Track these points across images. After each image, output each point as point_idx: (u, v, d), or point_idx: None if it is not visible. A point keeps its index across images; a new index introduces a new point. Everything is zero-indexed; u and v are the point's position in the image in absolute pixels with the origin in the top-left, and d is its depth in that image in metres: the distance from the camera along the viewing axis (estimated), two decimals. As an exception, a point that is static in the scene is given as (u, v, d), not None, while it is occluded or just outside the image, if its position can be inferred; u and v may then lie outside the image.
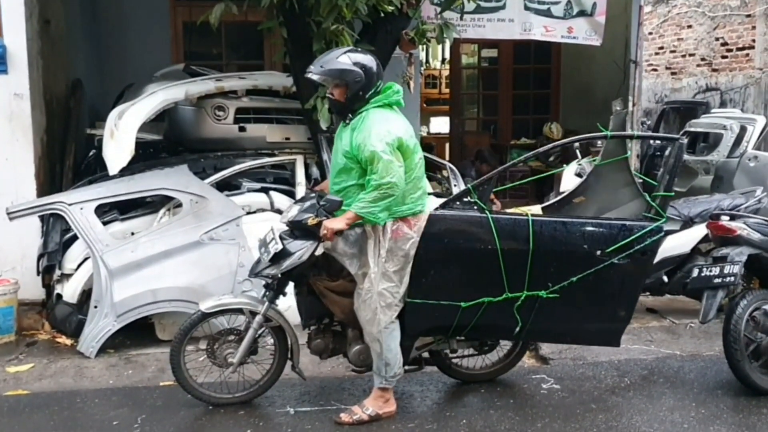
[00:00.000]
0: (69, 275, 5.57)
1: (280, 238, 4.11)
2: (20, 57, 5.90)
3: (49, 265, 5.64)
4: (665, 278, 6.03)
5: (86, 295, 5.47)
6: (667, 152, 4.64)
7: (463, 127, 11.60)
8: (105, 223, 5.55)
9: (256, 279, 4.35)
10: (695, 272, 4.92)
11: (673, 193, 4.39)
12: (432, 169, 7.69)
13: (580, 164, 6.38)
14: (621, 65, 8.58)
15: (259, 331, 4.31)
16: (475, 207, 4.17)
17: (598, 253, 4.19)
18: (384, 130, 3.90)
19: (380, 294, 4.05)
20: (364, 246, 4.07)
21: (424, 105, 12.87)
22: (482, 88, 11.77)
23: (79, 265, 5.56)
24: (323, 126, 5.63)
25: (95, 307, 5.31)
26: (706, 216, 5.74)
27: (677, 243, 5.93)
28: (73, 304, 5.51)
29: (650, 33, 13.67)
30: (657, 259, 5.77)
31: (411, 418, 4.33)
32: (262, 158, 6.22)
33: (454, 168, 6.38)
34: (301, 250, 4.06)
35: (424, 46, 6.50)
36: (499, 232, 4.13)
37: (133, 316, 5.29)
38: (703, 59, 12.91)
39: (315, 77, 3.99)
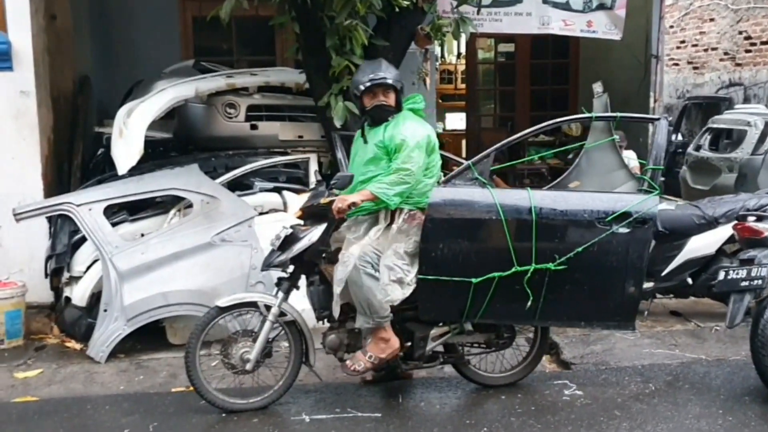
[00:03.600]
0: (78, 278, 5.49)
1: (291, 227, 4.28)
2: (26, 53, 5.80)
3: (58, 268, 5.56)
4: (689, 280, 5.87)
5: (96, 298, 5.39)
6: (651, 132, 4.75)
7: (479, 124, 11.47)
8: (114, 224, 5.47)
9: (269, 277, 4.40)
10: (722, 275, 4.84)
11: (663, 167, 4.54)
12: (449, 167, 7.57)
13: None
14: (642, 60, 8.42)
15: (275, 326, 4.31)
16: (477, 182, 4.33)
17: (599, 222, 4.28)
18: (417, 126, 4.30)
19: (390, 268, 4.15)
20: (369, 226, 4.29)
21: (440, 101, 12.75)
22: (499, 83, 11.67)
23: (88, 268, 5.48)
24: (337, 124, 5.50)
25: (105, 310, 5.23)
26: (732, 216, 5.61)
27: (702, 244, 5.80)
28: (83, 308, 5.43)
29: (671, 26, 13.50)
30: (681, 260, 5.78)
31: (430, 425, 4.24)
32: (274, 157, 6.13)
33: (472, 166, 6.19)
34: (311, 232, 4.22)
35: (440, 41, 6.36)
36: (503, 206, 4.24)
37: (143, 320, 5.20)
38: (726, 53, 12.73)
39: (391, 82, 4.29)
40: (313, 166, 6.03)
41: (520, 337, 4.83)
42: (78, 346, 5.46)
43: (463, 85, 12.52)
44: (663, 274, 5.85)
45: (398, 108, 4.34)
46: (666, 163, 10.06)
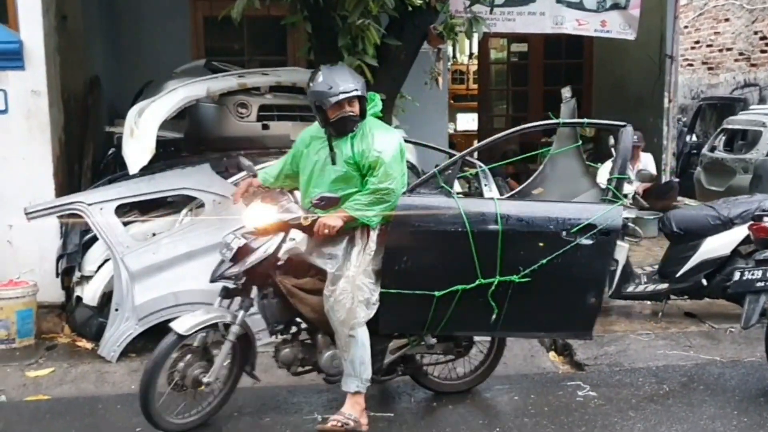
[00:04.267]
0: (89, 277, 5.46)
1: (243, 236, 4.01)
2: (37, 53, 5.79)
3: (69, 267, 5.54)
4: (704, 281, 5.84)
5: (107, 297, 5.36)
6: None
7: (491, 124, 11.42)
8: (125, 224, 5.44)
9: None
10: (737, 275, 4.86)
11: (627, 176, 4.47)
12: (460, 168, 7.52)
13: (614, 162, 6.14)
14: (656, 60, 8.36)
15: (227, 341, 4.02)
16: (442, 191, 4.16)
17: (564, 234, 4.14)
18: (388, 136, 4.05)
19: (359, 288, 3.97)
20: (348, 248, 4.03)
21: (451, 101, 12.70)
22: (511, 83, 11.60)
23: (99, 267, 5.45)
24: (349, 123, 5.46)
25: (116, 310, 5.21)
26: (747, 217, 5.58)
27: (717, 245, 5.76)
28: (94, 307, 5.41)
29: (686, 27, 13.42)
30: (695, 261, 5.75)
31: (443, 425, 4.23)
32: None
33: (485, 167, 6.16)
34: (267, 243, 3.98)
35: (452, 41, 6.33)
36: (468, 216, 4.07)
37: (154, 320, 5.17)
38: (741, 54, 12.65)
39: (359, 93, 3.95)
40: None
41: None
42: (89, 345, 5.43)
43: (475, 86, 12.47)
44: (677, 275, 5.85)
45: (363, 116, 4.02)
46: (680, 165, 10.05)
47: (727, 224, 5.78)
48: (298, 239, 4.44)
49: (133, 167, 5.43)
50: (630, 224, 6.87)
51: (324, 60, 5.81)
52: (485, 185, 5.94)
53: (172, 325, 3.91)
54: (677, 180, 8.91)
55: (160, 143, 5.69)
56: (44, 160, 5.84)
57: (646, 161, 8.36)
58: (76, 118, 6.48)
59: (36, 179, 5.80)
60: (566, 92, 5.35)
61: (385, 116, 5.95)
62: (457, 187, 7.06)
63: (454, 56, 13.19)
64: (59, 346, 5.53)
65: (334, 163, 3.97)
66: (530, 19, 7.60)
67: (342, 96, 3.87)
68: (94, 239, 5.49)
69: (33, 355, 5.34)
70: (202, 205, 5.56)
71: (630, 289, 5.93)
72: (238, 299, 4.07)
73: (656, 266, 6.14)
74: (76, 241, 5.55)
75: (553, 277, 4.16)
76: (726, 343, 5.51)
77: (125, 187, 5.59)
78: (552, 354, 5.35)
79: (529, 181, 4.85)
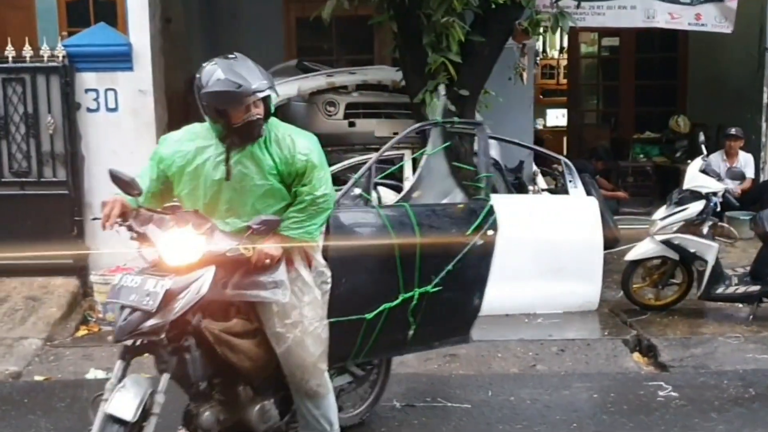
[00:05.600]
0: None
1: (157, 275, 3.05)
2: (144, 55, 6.19)
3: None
4: None
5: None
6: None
7: (581, 120, 11.28)
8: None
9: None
10: None
11: (492, 174, 4.39)
12: (546, 164, 7.51)
13: (705, 159, 6.01)
14: (755, 54, 8.06)
15: None
16: (361, 200, 3.99)
17: (464, 235, 3.98)
18: (307, 137, 3.34)
19: (321, 317, 3.39)
20: (291, 270, 3.31)
21: (540, 96, 12.59)
22: (602, 78, 11.42)
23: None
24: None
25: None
26: None
27: None
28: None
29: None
30: None
31: (519, 419, 4.24)
32: (370, 153, 6.23)
33: (569, 162, 6.15)
34: (196, 282, 3.03)
35: (541, 36, 6.33)
36: (392, 225, 3.75)
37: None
38: None
39: (270, 92, 3.14)
40: (408, 162, 6.12)
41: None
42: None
43: (565, 81, 12.32)
44: (768, 276, 5.66)
45: (267, 117, 3.22)
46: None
47: None
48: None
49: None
50: (725, 225, 6.71)
51: (408, 58, 5.97)
52: (570, 181, 5.97)
53: (113, 412, 2.92)
54: None
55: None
56: (149, 156, 6.20)
57: (746, 161, 8.09)
58: (178, 116, 6.85)
59: (141, 173, 6.19)
60: (441, 90, 5.27)
61: (469, 112, 6.05)
62: (541, 183, 7.12)
63: (544, 51, 13.05)
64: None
65: (227, 178, 3.19)
66: (620, 13, 7.48)
67: (258, 95, 3.08)
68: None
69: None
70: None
71: (720, 290, 5.78)
72: (134, 360, 3.12)
73: (748, 267, 5.97)
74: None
75: (455, 282, 3.97)
76: None
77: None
78: (636, 354, 5.27)
79: (410, 183, 4.65)
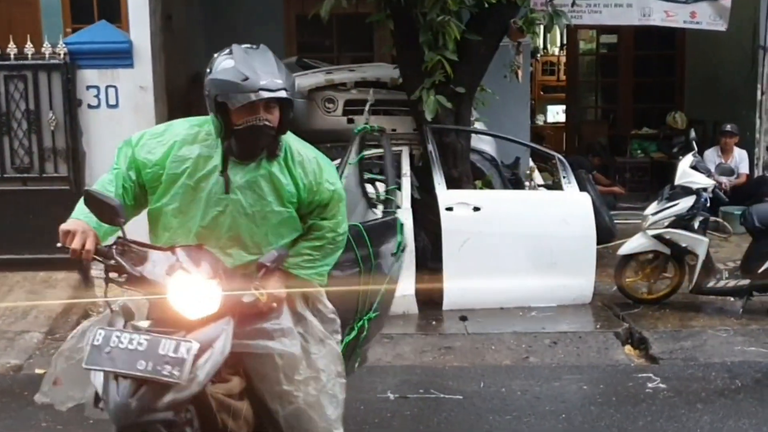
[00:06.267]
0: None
1: (162, 335, 2.42)
2: (145, 52, 6.28)
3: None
4: None
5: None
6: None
7: (580, 116, 11.34)
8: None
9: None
10: None
11: (395, 187, 4.21)
12: (542, 160, 7.60)
13: (696, 156, 6.10)
14: (749, 51, 8.13)
15: None
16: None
17: (392, 253, 3.63)
18: (328, 162, 2.86)
19: (333, 396, 2.87)
20: (293, 313, 2.79)
21: (541, 93, 12.66)
22: (601, 75, 11.48)
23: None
24: (428, 117, 5.68)
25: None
26: None
27: None
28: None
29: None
30: None
31: (509, 410, 4.32)
32: (368, 149, 6.32)
33: (563, 159, 6.25)
34: (219, 339, 2.47)
35: (540, 34, 6.41)
36: (356, 245, 3.31)
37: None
38: None
39: (287, 95, 2.57)
40: (406, 158, 6.21)
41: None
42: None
43: (565, 77, 12.40)
44: (760, 271, 5.69)
45: (283, 130, 2.66)
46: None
47: None
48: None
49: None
50: (719, 219, 6.79)
51: (406, 56, 6.06)
52: (564, 177, 6.06)
53: None
54: None
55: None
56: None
57: (741, 157, 8.16)
58: (179, 113, 6.94)
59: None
60: (369, 97, 5.30)
61: (466, 109, 6.15)
62: (538, 178, 7.21)
63: (545, 48, 13.11)
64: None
65: (227, 191, 2.62)
66: (617, 11, 7.56)
67: (264, 94, 2.50)
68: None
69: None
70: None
71: (711, 284, 5.85)
72: None
73: (739, 262, 6.05)
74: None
75: (384, 305, 3.59)
76: None
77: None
78: (627, 347, 5.36)
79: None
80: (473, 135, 6.39)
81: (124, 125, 6.30)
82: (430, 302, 5.83)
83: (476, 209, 5.71)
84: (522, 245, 5.78)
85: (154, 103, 6.34)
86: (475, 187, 6.18)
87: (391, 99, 6.67)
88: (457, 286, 5.74)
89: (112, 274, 2.53)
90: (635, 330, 5.51)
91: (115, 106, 6.35)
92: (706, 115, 9.36)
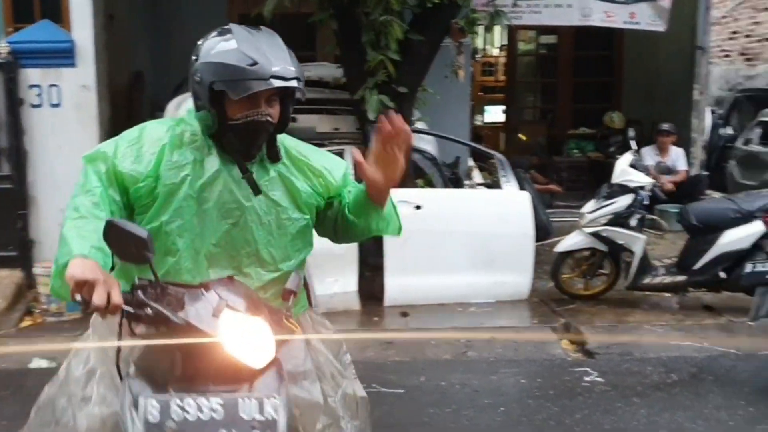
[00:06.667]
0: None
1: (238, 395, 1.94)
2: (87, 51, 6.22)
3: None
4: (723, 274, 5.78)
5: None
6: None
7: (519, 117, 11.43)
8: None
9: None
10: (748, 268, 4.93)
11: None
12: (483, 160, 7.70)
13: (635, 155, 6.25)
14: (687, 52, 8.35)
15: None
16: None
17: None
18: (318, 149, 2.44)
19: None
20: (308, 348, 2.32)
21: (481, 93, 12.78)
22: (540, 75, 11.59)
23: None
24: (371, 116, 5.70)
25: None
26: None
27: (735, 238, 5.70)
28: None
29: (724, 17, 13.21)
30: (714, 254, 5.72)
31: (449, 403, 4.38)
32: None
33: (502, 158, 6.35)
34: (282, 388, 2.00)
35: (480, 34, 6.48)
36: None
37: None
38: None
39: (298, 85, 2.11)
40: (348, 157, 6.23)
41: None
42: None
43: (504, 78, 12.48)
44: (695, 268, 5.82)
45: (283, 127, 2.21)
46: (715, 158, 9.95)
47: (747, 217, 5.72)
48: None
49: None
50: (654, 217, 6.97)
51: (349, 55, 6.08)
52: (503, 176, 6.15)
53: None
54: (706, 173, 8.89)
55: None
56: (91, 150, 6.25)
57: (678, 155, 8.37)
58: (121, 111, 6.87)
59: (84, 167, 6.23)
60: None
61: (407, 109, 6.20)
62: (477, 177, 7.30)
63: (484, 48, 13.21)
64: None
65: (257, 193, 2.19)
66: (557, 11, 7.63)
67: (276, 82, 2.06)
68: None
69: (79, 328, 5.69)
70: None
71: (647, 280, 5.97)
72: None
73: (675, 258, 6.21)
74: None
75: None
76: (743, 336, 5.49)
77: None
78: (564, 342, 5.45)
79: None
80: (415, 134, 6.44)
81: (67, 124, 6.24)
82: (371, 299, 5.89)
83: (417, 207, 5.76)
84: (462, 243, 5.87)
85: (97, 102, 6.27)
86: (416, 186, 6.22)
87: (334, 98, 6.69)
88: (399, 283, 5.81)
89: (138, 327, 1.96)
90: (571, 325, 5.61)
91: (58, 105, 6.26)
92: (644, 115, 9.57)
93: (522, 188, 6.12)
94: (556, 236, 6.40)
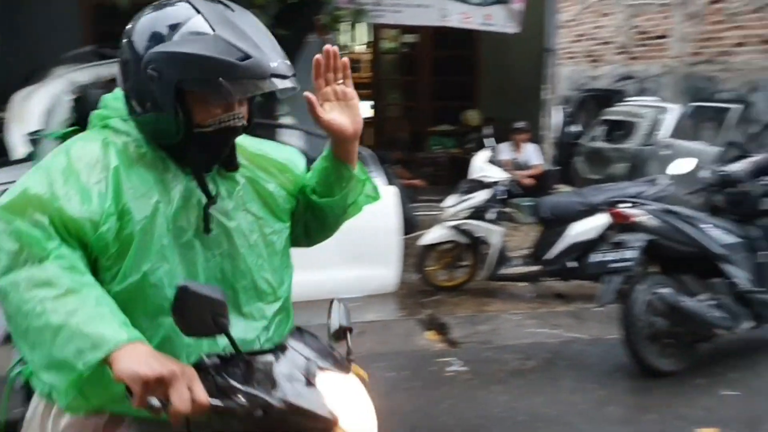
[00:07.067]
0: None
1: None
2: None
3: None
4: (575, 264, 6.08)
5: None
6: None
7: (384, 113, 11.58)
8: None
9: None
10: (592, 257, 5.09)
11: None
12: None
13: (491, 151, 6.50)
14: (537, 53, 8.73)
15: None
16: None
17: None
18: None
19: None
20: None
21: (346, 89, 12.79)
22: (402, 73, 11.77)
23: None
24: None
25: None
26: (610, 203, 5.88)
27: (582, 229, 6.03)
28: None
29: (570, 20, 13.85)
30: (564, 245, 6.00)
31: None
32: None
33: (371, 153, 6.41)
34: None
35: (343, 31, 6.51)
36: None
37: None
38: (621, 47, 13.17)
39: (294, 85, 1.70)
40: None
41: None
42: None
43: (368, 74, 12.61)
44: (547, 258, 6.12)
45: (249, 129, 1.77)
46: (563, 154, 10.48)
47: (592, 210, 6.04)
48: None
49: (15, 153, 5.40)
50: (507, 210, 7.27)
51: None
52: (370, 171, 6.20)
53: None
54: (556, 168, 9.35)
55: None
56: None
57: (532, 151, 8.75)
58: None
59: None
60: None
61: (275, 104, 6.14)
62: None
63: (346, 45, 13.24)
64: None
65: (207, 231, 1.69)
66: (417, 11, 7.76)
67: (279, 83, 1.64)
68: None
69: None
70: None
71: (504, 271, 6.23)
72: None
73: (530, 249, 6.48)
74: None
75: None
76: (591, 323, 5.79)
77: (5, 173, 5.53)
78: (428, 333, 5.58)
79: None
80: (284, 130, 6.39)
81: None
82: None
83: (285, 203, 5.70)
84: (330, 238, 5.86)
85: None
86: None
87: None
88: (266, 281, 5.71)
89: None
90: (436, 316, 5.75)
91: None
92: (499, 113, 9.90)
93: (390, 183, 6.20)
94: (420, 230, 6.55)
